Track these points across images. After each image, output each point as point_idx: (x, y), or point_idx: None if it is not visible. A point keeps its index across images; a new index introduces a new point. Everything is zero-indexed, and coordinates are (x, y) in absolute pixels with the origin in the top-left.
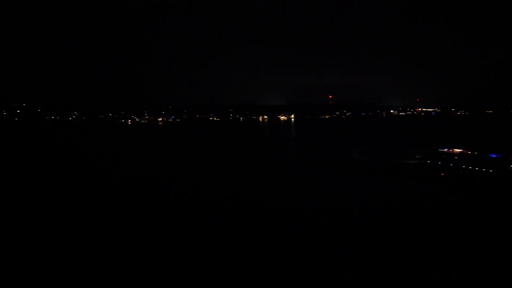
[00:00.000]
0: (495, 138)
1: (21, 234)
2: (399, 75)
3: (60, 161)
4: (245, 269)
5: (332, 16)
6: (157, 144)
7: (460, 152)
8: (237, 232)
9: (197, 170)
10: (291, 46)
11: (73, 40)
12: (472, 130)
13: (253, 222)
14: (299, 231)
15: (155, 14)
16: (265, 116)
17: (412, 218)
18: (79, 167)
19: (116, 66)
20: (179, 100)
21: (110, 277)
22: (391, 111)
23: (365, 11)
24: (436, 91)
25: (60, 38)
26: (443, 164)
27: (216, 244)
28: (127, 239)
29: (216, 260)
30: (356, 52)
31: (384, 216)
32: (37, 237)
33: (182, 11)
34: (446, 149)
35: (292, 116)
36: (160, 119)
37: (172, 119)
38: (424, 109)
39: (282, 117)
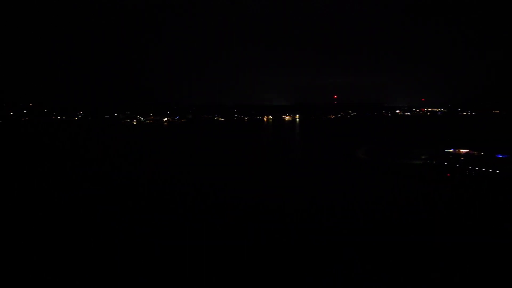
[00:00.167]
0: (502, 139)
1: (24, 233)
2: (405, 75)
3: (65, 161)
4: (248, 269)
5: (338, 16)
6: (162, 144)
7: (466, 152)
8: (241, 232)
9: (201, 170)
10: (296, 46)
11: (78, 40)
12: (479, 130)
13: (256, 222)
14: (302, 231)
15: (157, 14)
16: (270, 116)
17: (416, 218)
18: (84, 167)
19: (121, 67)
20: (184, 100)
21: (113, 277)
22: (397, 111)
23: (371, 10)
24: (442, 91)
25: (65, 39)
26: (449, 165)
27: (220, 244)
28: (130, 238)
29: (220, 260)
30: (362, 52)
31: (387, 216)
32: (40, 237)
33: (185, 10)
34: (452, 150)
35: (297, 116)
36: (165, 119)
37: (177, 119)
38: (430, 109)
39: (287, 117)
